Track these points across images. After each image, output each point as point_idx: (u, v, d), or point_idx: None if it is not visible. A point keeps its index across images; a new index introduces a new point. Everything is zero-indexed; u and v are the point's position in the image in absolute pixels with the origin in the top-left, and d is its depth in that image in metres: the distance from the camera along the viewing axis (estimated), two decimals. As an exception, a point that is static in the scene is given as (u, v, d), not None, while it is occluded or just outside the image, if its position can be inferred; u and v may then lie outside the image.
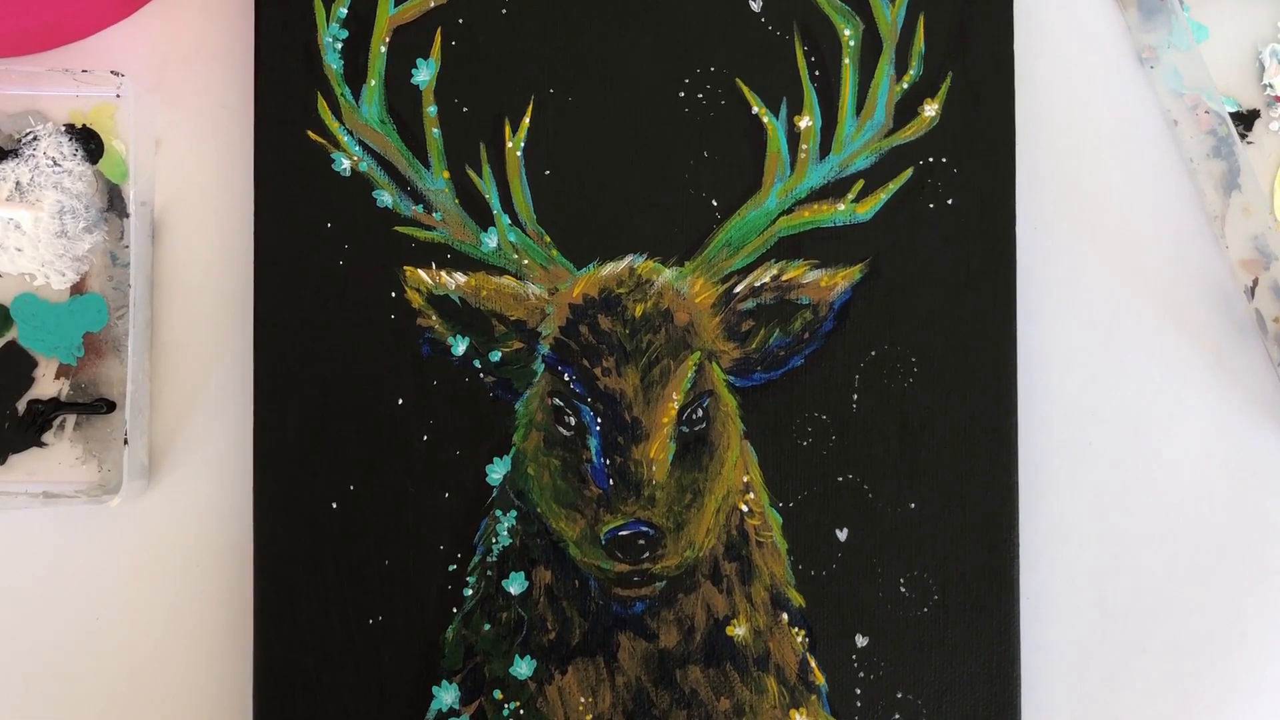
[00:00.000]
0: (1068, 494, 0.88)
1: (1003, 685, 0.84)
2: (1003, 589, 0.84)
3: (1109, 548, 0.88)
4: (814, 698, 0.84)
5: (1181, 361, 0.89)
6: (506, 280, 0.85)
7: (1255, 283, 0.87)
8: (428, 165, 0.86)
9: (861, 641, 0.85)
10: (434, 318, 0.85)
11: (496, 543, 0.84)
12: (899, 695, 0.84)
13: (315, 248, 0.85)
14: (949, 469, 0.85)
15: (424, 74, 0.86)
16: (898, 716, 0.84)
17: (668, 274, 0.85)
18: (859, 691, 0.84)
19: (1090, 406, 0.89)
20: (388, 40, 0.86)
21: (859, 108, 0.86)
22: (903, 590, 0.85)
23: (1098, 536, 0.88)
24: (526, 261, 0.85)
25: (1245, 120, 0.88)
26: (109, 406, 0.87)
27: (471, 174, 0.86)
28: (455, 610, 0.84)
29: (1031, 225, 0.89)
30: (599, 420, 0.84)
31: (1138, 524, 0.88)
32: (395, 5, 0.86)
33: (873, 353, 0.85)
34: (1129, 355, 0.89)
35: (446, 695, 0.84)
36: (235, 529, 0.88)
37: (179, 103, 0.90)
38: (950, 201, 0.85)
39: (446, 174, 0.86)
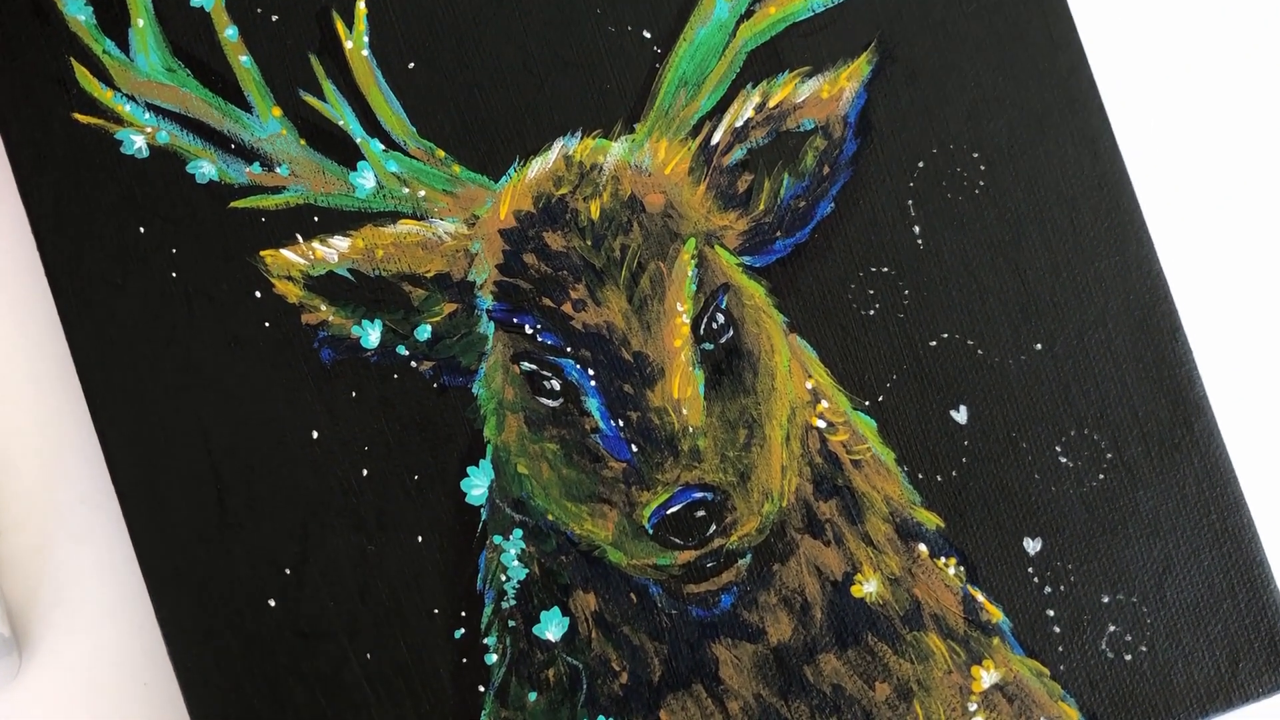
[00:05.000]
0: (1218, 259, 0.63)
1: (1234, 538, 0.59)
2: (1191, 413, 0.59)
3: (1294, 320, 0.63)
4: (996, 641, 0.59)
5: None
6: (405, 226, 0.59)
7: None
8: (249, 108, 0.59)
9: (1033, 546, 0.59)
10: (323, 307, 0.59)
11: (508, 580, 0.58)
12: (1105, 600, 0.59)
13: (133, 268, 0.59)
14: (1070, 283, 0.59)
15: (204, -11, 0.59)
16: (1114, 629, 0.59)
17: (617, 149, 0.59)
18: (1051, 613, 0.59)
19: (1206, 139, 0.63)
20: (141, -37, 0.59)
21: None
22: (1063, 461, 0.59)
23: (1274, 306, 0.63)
24: (423, 193, 0.59)
25: None
26: (-65, 574, 0.60)
27: (311, 100, 0.59)
28: (482, 689, 0.58)
29: (1057, -57, 0.63)
30: (590, 372, 0.58)
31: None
32: (135, -88, 0.59)
33: (920, 164, 0.60)
34: (1223, 52, 0.64)
35: (509, 806, 0.58)
36: (155, 677, 0.61)
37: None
38: (952, -64, 0.60)
39: (277, 111, 0.59)
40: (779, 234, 0.60)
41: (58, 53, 0.59)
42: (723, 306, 0.59)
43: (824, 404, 0.59)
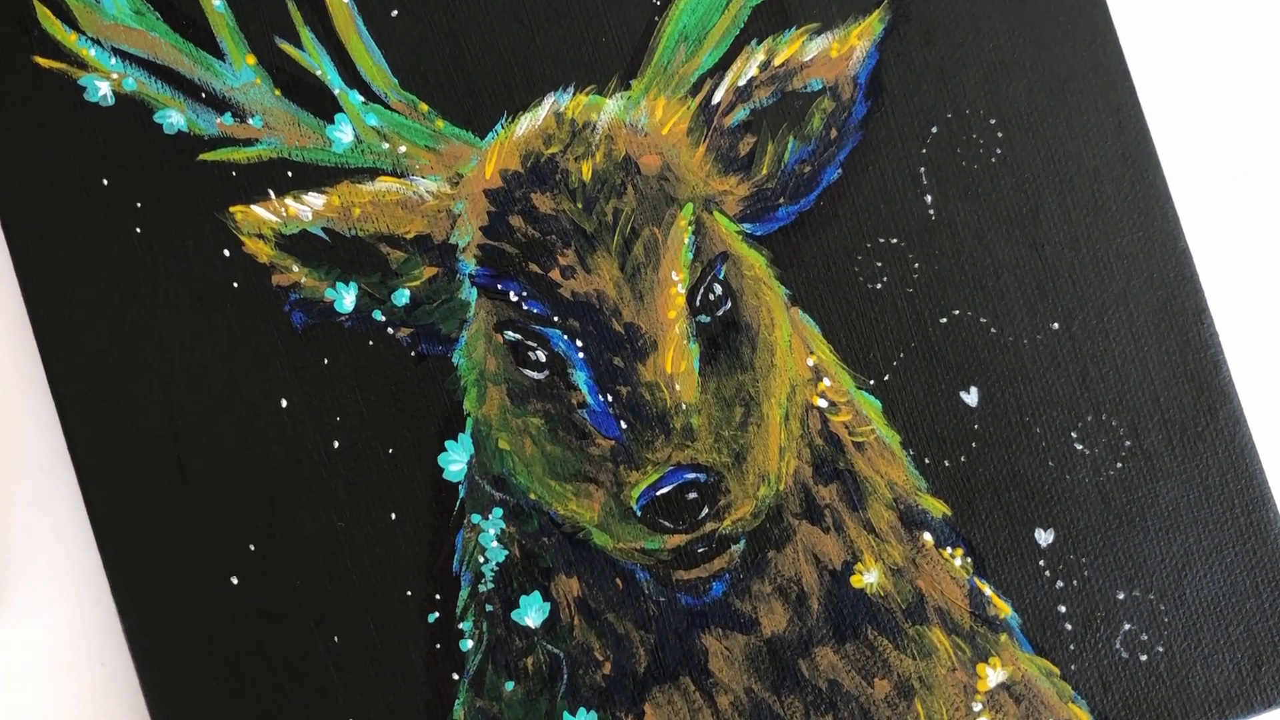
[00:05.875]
0: (1247, 237, 0.59)
1: (1259, 533, 0.55)
2: (1216, 400, 0.56)
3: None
4: (1004, 638, 0.55)
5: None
6: (384, 184, 0.55)
7: None
8: (221, 55, 0.56)
9: (1045, 538, 0.55)
10: (296, 268, 0.55)
11: (486, 561, 0.55)
12: (1120, 596, 0.55)
13: (94, 222, 0.55)
14: (1090, 259, 0.56)
15: (176, -72, 0.56)
16: (1129, 627, 0.55)
17: (611, 106, 0.55)
18: (1063, 609, 0.55)
19: (1237, 110, 0.60)
20: (110, -102, 0.56)
21: None
22: (1079, 448, 0.55)
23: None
24: (404, 149, 0.55)
25: None
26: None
27: (287, 48, 0.56)
28: (456, 677, 0.55)
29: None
30: (579, 343, 0.54)
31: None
32: None
33: (934, 129, 0.56)
34: (1257, 19, 0.60)
35: (483, 801, 0.55)
36: (112, 656, 0.57)
37: None
38: (972, -113, 0.56)
39: (251, 59, 0.55)
40: (782, 201, 0.56)
41: (19, -8, 0.56)
42: (720, 277, 0.55)
43: (826, 382, 0.56)
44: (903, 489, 0.56)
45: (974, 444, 0.56)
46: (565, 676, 0.55)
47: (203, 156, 0.56)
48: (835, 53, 0.56)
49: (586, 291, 0.54)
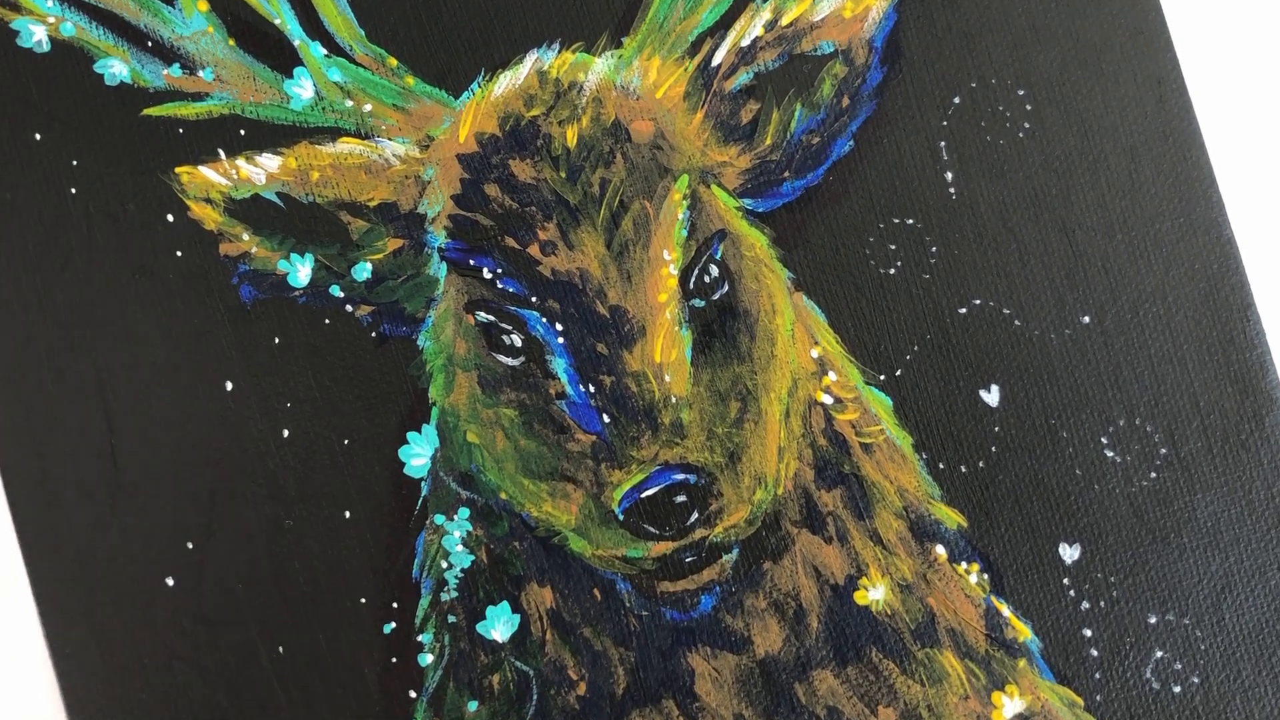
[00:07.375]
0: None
1: (1306, 558, 0.51)
2: (1262, 405, 0.51)
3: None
4: (1022, 663, 0.50)
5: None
6: (346, 145, 0.51)
7: None
8: (171, 0, 0.51)
9: (1070, 554, 0.50)
10: (246, 237, 0.51)
11: (450, 567, 0.51)
12: (1152, 620, 0.50)
13: (25, 180, 0.51)
14: (1125, 246, 0.51)
15: None
16: (1161, 654, 0.50)
17: (600, 66, 0.51)
18: (1088, 634, 0.50)
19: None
20: None
21: None
22: (1109, 455, 0.51)
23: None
24: (369, 107, 0.51)
25: None
26: None
27: (243, -7, 0.51)
28: (414, 695, 0.50)
29: None
30: (559, 327, 0.49)
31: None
32: None
33: (956, 100, 0.51)
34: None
35: (440, 833, 0.50)
36: (30, 662, 0.52)
37: None
38: None
39: (204, 5, 0.51)
40: (787, 175, 0.51)
41: (-52, -75, 0.51)
42: (717, 257, 0.51)
43: (831, 376, 0.51)
44: (914, 496, 0.51)
45: (994, 448, 0.51)
46: (535, 697, 0.50)
47: (147, 111, 0.51)
48: (849, 12, 0.51)
49: (568, 270, 0.50)
